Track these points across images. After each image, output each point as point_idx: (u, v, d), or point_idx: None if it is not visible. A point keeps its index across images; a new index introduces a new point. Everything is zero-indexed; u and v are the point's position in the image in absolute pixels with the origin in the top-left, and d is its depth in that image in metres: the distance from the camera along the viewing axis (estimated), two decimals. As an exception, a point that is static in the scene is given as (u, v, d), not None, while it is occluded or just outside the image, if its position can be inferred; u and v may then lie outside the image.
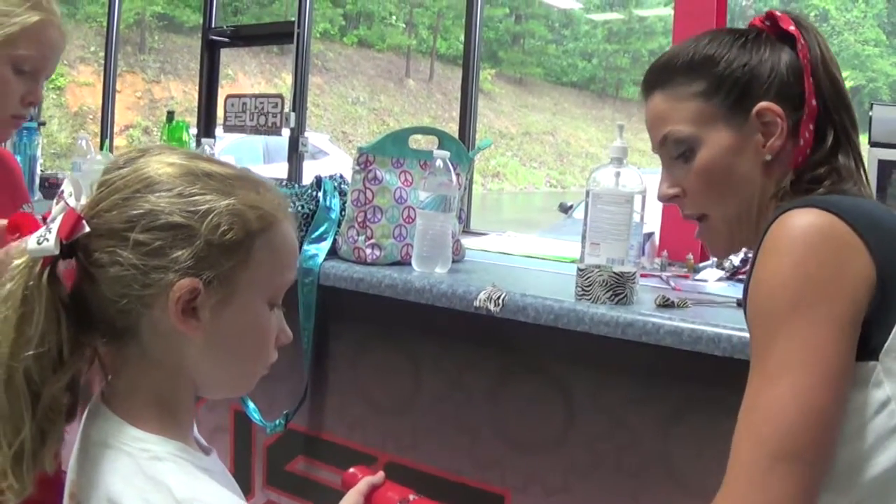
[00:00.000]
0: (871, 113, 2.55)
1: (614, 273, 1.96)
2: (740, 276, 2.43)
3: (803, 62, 1.38)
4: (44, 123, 3.23)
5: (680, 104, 1.44)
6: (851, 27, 35.82)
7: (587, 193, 1.99)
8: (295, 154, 4.29)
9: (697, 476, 1.98)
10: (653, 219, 2.37)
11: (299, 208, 2.52)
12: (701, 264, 2.56)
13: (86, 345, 1.16)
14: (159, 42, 25.53)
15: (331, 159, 14.11)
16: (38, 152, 3.63)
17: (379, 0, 34.47)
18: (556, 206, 13.21)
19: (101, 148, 4.33)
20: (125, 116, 21.09)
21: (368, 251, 2.44)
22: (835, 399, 1.15)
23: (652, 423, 2.06)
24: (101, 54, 5.41)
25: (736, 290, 2.25)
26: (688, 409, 2.00)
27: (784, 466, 1.13)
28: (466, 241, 2.81)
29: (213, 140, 3.87)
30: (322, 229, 2.51)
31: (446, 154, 2.40)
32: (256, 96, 4.30)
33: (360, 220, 2.44)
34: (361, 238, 2.44)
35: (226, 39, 4.75)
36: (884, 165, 2.52)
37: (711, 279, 2.44)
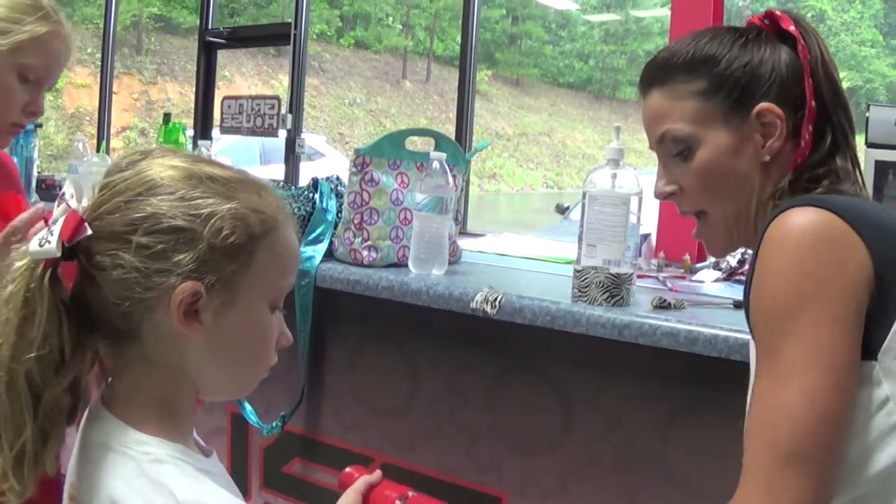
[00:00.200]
0: (867, 114, 2.55)
1: (611, 274, 1.96)
2: (737, 277, 2.43)
3: (804, 63, 1.38)
4: (40, 125, 3.23)
5: (679, 102, 1.43)
6: (848, 28, 35.85)
7: (584, 195, 1.99)
8: (291, 155, 4.29)
9: (694, 476, 1.98)
10: (649, 220, 2.37)
11: (296, 210, 2.52)
12: (698, 265, 2.57)
13: (87, 347, 1.16)
14: (156, 44, 25.50)
15: (327, 161, 14.10)
16: (35, 154, 3.62)
17: (375, 1, 34.46)
18: (552, 207, 13.17)
19: (98, 150, 4.33)
20: (122, 118, 21.06)
21: (365, 253, 2.44)
22: (843, 398, 1.16)
23: (649, 424, 2.06)
24: (98, 56, 5.39)
25: (733, 291, 2.25)
26: (685, 410, 2.01)
27: (798, 467, 1.14)
28: (463, 243, 2.81)
29: (209, 142, 3.87)
30: (319, 231, 2.51)
31: (443, 156, 2.41)
32: (253, 98, 4.31)
33: (356, 221, 2.44)
34: (358, 240, 2.44)
35: (222, 41, 4.75)
36: (880, 166, 2.52)
37: (708, 280, 2.44)
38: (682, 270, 2.56)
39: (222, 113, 4.38)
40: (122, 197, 1.13)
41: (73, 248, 1.10)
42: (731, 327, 1.76)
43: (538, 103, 38.02)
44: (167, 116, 3.75)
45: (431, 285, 2.22)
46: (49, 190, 3.80)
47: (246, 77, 25.64)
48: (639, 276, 2.28)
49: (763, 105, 1.38)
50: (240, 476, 2.79)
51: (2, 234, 1.64)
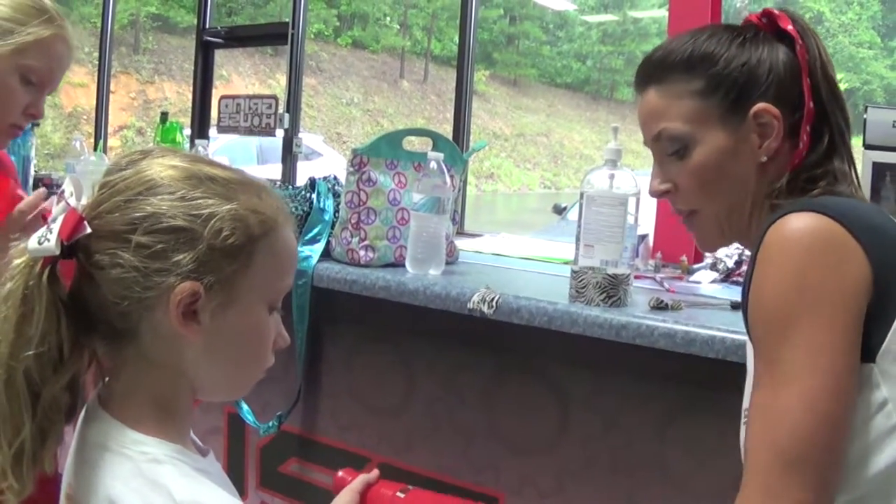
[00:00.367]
0: (865, 115, 2.55)
1: (608, 275, 1.96)
2: (734, 278, 2.43)
3: (802, 63, 1.38)
4: (37, 124, 3.22)
5: (676, 101, 1.43)
6: (846, 29, 35.91)
7: (581, 195, 1.99)
8: (289, 155, 4.29)
9: (691, 477, 1.98)
10: (647, 220, 2.37)
11: (293, 210, 2.51)
12: (695, 266, 2.56)
13: (85, 346, 1.16)
14: (153, 43, 25.50)
15: (325, 160, 14.12)
16: (32, 153, 3.62)
17: (373, 1, 34.46)
18: (550, 207, 13.20)
19: (95, 149, 4.32)
20: (119, 117, 21.05)
21: (362, 253, 2.43)
22: (843, 401, 1.16)
23: (646, 424, 2.06)
24: (96, 55, 5.38)
25: (730, 292, 2.25)
26: (681, 411, 2.01)
27: (799, 470, 1.14)
28: (460, 243, 2.81)
29: (206, 141, 3.87)
30: (316, 231, 2.51)
31: (440, 156, 2.41)
32: (250, 97, 4.31)
33: (353, 221, 2.44)
34: (355, 240, 2.44)
35: (220, 40, 4.75)
36: (878, 168, 2.52)
37: (705, 281, 2.44)
38: (680, 271, 2.56)
39: (219, 112, 4.38)
40: (122, 196, 1.13)
41: (72, 247, 1.10)
42: (728, 328, 1.76)
43: (536, 104, 38.06)
44: (164, 116, 3.75)
45: (428, 285, 2.21)
46: (46, 189, 3.80)
47: (243, 76, 25.64)
48: (636, 277, 2.27)
49: (760, 105, 1.37)
50: (236, 475, 2.79)
51: (8, 218, 1.65)
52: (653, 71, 1.47)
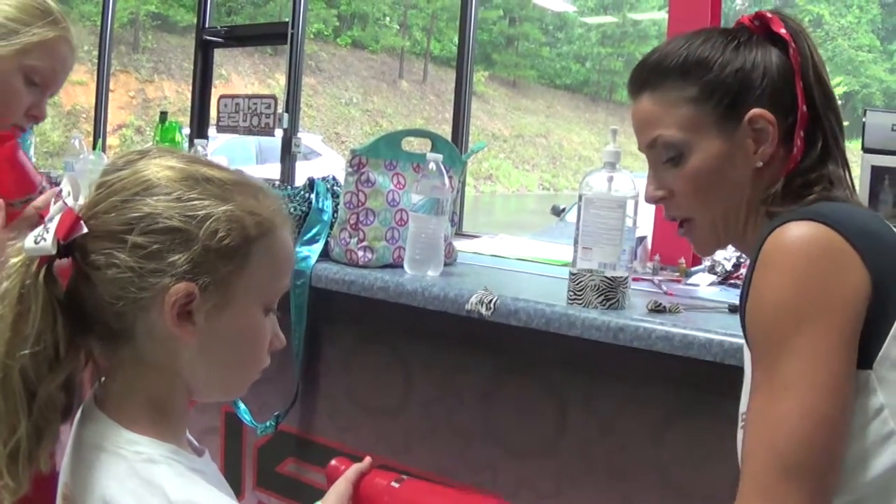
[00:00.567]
0: (864, 119, 2.55)
1: (606, 278, 1.96)
2: (732, 281, 2.43)
3: (794, 66, 1.37)
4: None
5: (671, 109, 1.42)
6: (845, 33, 35.93)
7: (580, 198, 1.99)
8: (288, 155, 4.30)
9: (689, 480, 1.98)
10: (645, 223, 2.37)
11: (292, 210, 2.51)
12: (693, 268, 2.57)
13: (81, 345, 1.16)
14: (153, 41, 25.50)
15: (323, 160, 14.13)
16: (31, 151, 3.62)
17: (373, 1, 34.47)
18: (548, 208, 13.22)
19: (94, 147, 4.32)
20: (118, 116, 21.05)
21: (361, 253, 2.43)
22: (842, 409, 1.16)
23: (643, 427, 2.06)
24: (95, 53, 5.38)
25: (728, 295, 2.25)
26: (679, 414, 2.01)
27: (798, 477, 1.15)
28: (459, 244, 2.81)
29: (205, 140, 3.87)
30: (314, 231, 2.51)
31: (439, 157, 2.41)
32: (250, 97, 4.31)
33: (352, 222, 2.44)
34: (354, 240, 2.44)
35: (220, 39, 4.76)
36: (877, 171, 2.52)
37: (703, 283, 2.44)
38: (678, 274, 2.56)
39: (219, 112, 4.38)
40: (119, 196, 1.13)
41: (69, 246, 1.10)
42: (725, 331, 1.76)
43: (535, 105, 38.07)
44: (164, 115, 3.75)
45: (427, 286, 2.21)
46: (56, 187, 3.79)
47: (243, 76, 25.65)
48: (634, 280, 2.28)
49: (755, 111, 1.37)
50: (233, 475, 2.79)
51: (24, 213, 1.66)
52: (647, 76, 1.46)
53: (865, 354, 1.18)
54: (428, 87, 33.86)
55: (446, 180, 2.39)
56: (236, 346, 1.20)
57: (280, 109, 4.20)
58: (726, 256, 2.46)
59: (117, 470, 1.11)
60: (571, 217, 9.05)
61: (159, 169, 1.15)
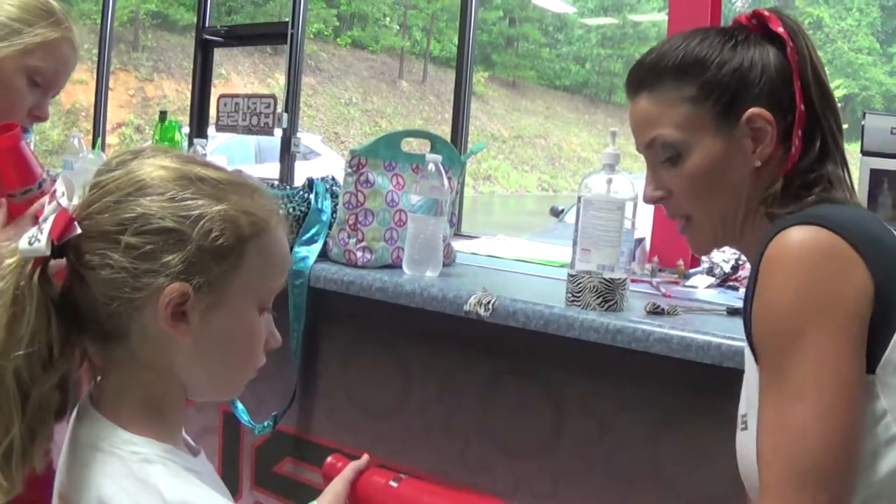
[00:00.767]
0: (863, 122, 2.55)
1: (605, 279, 1.96)
2: (730, 283, 2.43)
3: (792, 65, 1.37)
4: (36, 120, 3.22)
5: (669, 109, 1.42)
6: (845, 35, 35.94)
7: (579, 199, 1.99)
8: (287, 154, 4.30)
9: (686, 482, 1.98)
10: (644, 224, 2.37)
11: (291, 210, 2.51)
12: (691, 270, 2.56)
13: (76, 345, 1.15)
14: (153, 40, 25.51)
15: (323, 160, 14.13)
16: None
17: (373, 1, 34.48)
18: (547, 209, 13.23)
19: (94, 146, 4.32)
20: (117, 114, 21.05)
21: (359, 254, 2.43)
22: (854, 414, 1.16)
23: (641, 429, 2.06)
24: (95, 52, 5.38)
25: (726, 297, 2.25)
26: (677, 416, 2.01)
27: (815, 483, 1.14)
28: (457, 245, 2.81)
29: (205, 140, 3.87)
30: (313, 231, 2.51)
31: (438, 158, 2.40)
32: (249, 96, 4.31)
33: (351, 222, 2.44)
34: (352, 241, 2.43)
35: (219, 39, 4.75)
36: (875, 174, 2.52)
37: (702, 285, 2.44)
38: (676, 276, 2.56)
39: (218, 111, 4.38)
40: (112, 197, 1.12)
41: (63, 247, 1.10)
42: (723, 334, 1.76)
43: (534, 106, 38.08)
44: (163, 114, 3.74)
45: (425, 287, 2.21)
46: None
47: (242, 75, 25.65)
48: (632, 281, 2.28)
49: (753, 110, 1.36)
50: (231, 475, 2.79)
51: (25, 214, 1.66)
52: (644, 76, 1.45)
53: (868, 359, 1.18)
54: (427, 88, 33.86)
55: (445, 181, 2.39)
56: (231, 345, 1.20)
57: (279, 109, 4.20)
58: (725, 258, 2.46)
59: (112, 469, 1.11)
60: (570, 218, 9.05)
61: (153, 169, 1.15)
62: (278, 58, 25.18)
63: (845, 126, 1.43)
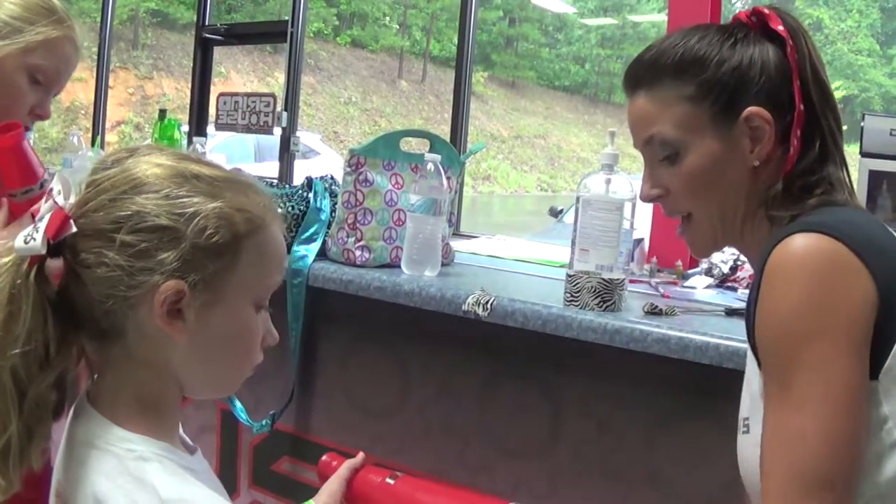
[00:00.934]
0: (862, 123, 2.54)
1: (603, 279, 1.96)
2: (729, 284, 2.43)
3: (792, 65, 1.36)
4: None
5: (667, 107, 1.41)
6: (845, 37, 35.96)
7: (577, 199, 1.99)
8: (286, 153, 4.30)
9: (683, 482, 1.98)
10: (643, 225, 2.37)
11: (290, 209, 2.51)
12: (690, 271, 2.56)
13: (72, 343, 1.15)
14: (152, 39, 25.50)
15: (322, 159, 14.13)
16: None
17: (373, 1, 34.47)
18: (546, 209, 13.22)
19: (93, 144, 4.32)
20: (117, 112, 21.05)
21: (358, 253, 2.43)
22: (858, 422, 1.16)
23: (639, 429, 2.06)
24: (94, 50, 5.38)
25: (724, 298, 2.25)
26: (674, 417, 2.01)
27: (819, 491, 1.14)
28: (456, 244, 2.81)
29: (204, 138, 3.86)
30: (312, 230, 2.51)
31: (437, 157, 2.40)
32: (249, 95, 4.31)
33: (350, 221, 2.44)
34: (351, 240, 2.43)
35: (219, 37, 4.75)
36: (874, 176, 2.52)
37: (700, 286, 2.44)
38: (675, 276, 2.56)
39: (218, 109, 4.38)
40: (108, 195, 1.12)
41: (59, 245, 1.10)
42: (722, 335, 1.76)
43: (533, 106, 38.10)
44: (163, 113, 3.74)
45: (424, 287, 2.21)
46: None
47: (242, 74, 25.64)
48: (631, 282, 2.28)
49: (752, 109, 1.35)
50: (229, 473, 2.78)
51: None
52: (643, 74, 1.45)
53: (872, 366, 1.17)
54: (427, 87, 33.87)
55: (444, 181, 2.39)
56: (227, 343, 1.20)
57: (279, 108, 4.19)
58: (723, 259, 2.46)
59: (108, 467, 1.11)
60: (569, 218, 9.05)
61: (148, 167, 1.15)
62: (278, 56, 25.19)
63: (844, 127, 1.42)
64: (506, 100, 36.94)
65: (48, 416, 1.13)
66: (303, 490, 2.59)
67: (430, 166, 2.38)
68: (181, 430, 1.28)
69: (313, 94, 27.80)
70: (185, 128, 4.42)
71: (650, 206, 1.58)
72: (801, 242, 1.21)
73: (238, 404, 2.64)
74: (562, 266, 2.35)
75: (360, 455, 1.71)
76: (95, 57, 5.35)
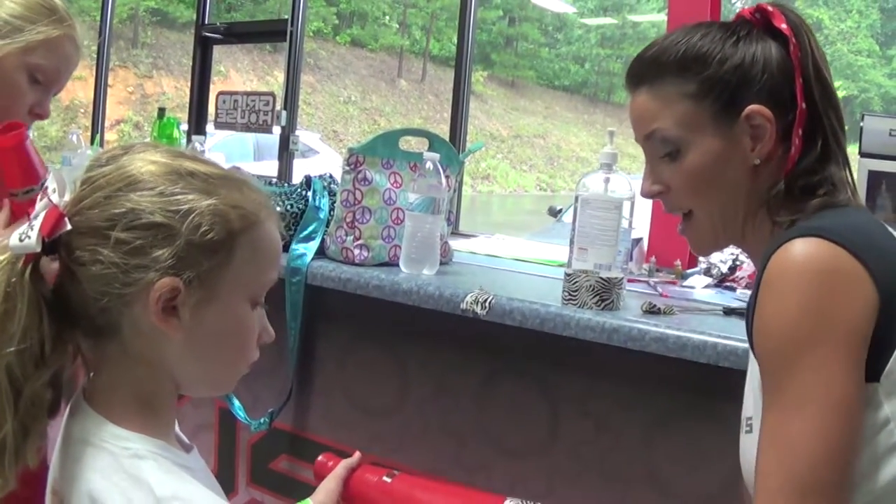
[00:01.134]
0: (862, 123, 2.55)
1: (601, 278, 1.96)
2: (728, 284, 2.43)
3: (794, 62, 1.35)
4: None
5: (669, 104, 1.40)
6: (845, 37, 35.96)
7: (576, 199, 1.98)
8: (285, 152, 4.29)
9: (681, 481, 1.98)
10: (641, 224, 2.37)
11: (288, 207, 2.51)
12: (689, 271, 2.56)
13: (68, 341, 1.15)
14: (152, 37, 25.50)
15: (321, 158, 14.12)
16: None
17: (373, 0, 34.47)
18: (545, 209, 13.22)
19: (92, 142, 4.33)
20: (116, 111, 21.04)
21: (356, 252, 2.43)
22: (853, 427, 1.16)
23: (636, 428, 2.06)
24: (94, 48, 5.37)
25: (723, 298, 2.25)
26: (672, 415, 2.01)
27: (814, 495, 1.14)
28: (455, 243, 2.81)
29: (203, 137, 3.86)
30: (311, 229, 2.51)
31: (436, 156, 2.40)
32: (248, 94, 4.30)
33: (348, 220, 2.44)
34: (350, 238, 2.43)
35: (219, 36, 4.74)
36: (874, 176, 2.52)
37: (699, 286, 2.44)
38: (673, 276, 2.56)
39: (217, 108, 4.38)
40: (102, 192, 1.12)
41: (54, 243, 1.10)
42: (720, 334, 1.75)
43: (533, 105, 38.10)
44: (162, 111, 3.74)
45: (422, 285, 2.21)
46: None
47: (241, 73, 25.64)
48: (629, 281, 2.28)
49: (753, 107, 1.35)
50: (227, 472, 2.78)
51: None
52: (645, 71, 1.44)
53: (872, 367, 1.17)
54: (426, 87, 33.87)
55: (443, 179, 2.39)
56: (223, 340, 1.19)
57: (278, 107, 4.19)
58: (722, 259, 2.46)
59: (104, 464, 1.11)
60: (568, 218, 9.05)
61: (143, 164, 1.15)
62: (277, 55, 25.18)
63: (846, 127, 1.42)
64: (505, 99, 36.94)
65: (44, 415, 1.13)
66: (301, 488, 2.59)
67: (428, 165, 2.38)
68: (177, 428, 1.28)
69: (313, 93, 27.80)
70: (185, 126, 4.41)
71: (649, 205, 1.57)
72: (800, 248, 1.20)
73: (236, 402, 2.64)
74: (560, 265, 2.35)
75: (357, 454, 1.71)
76: (95, 55, 5.35)
